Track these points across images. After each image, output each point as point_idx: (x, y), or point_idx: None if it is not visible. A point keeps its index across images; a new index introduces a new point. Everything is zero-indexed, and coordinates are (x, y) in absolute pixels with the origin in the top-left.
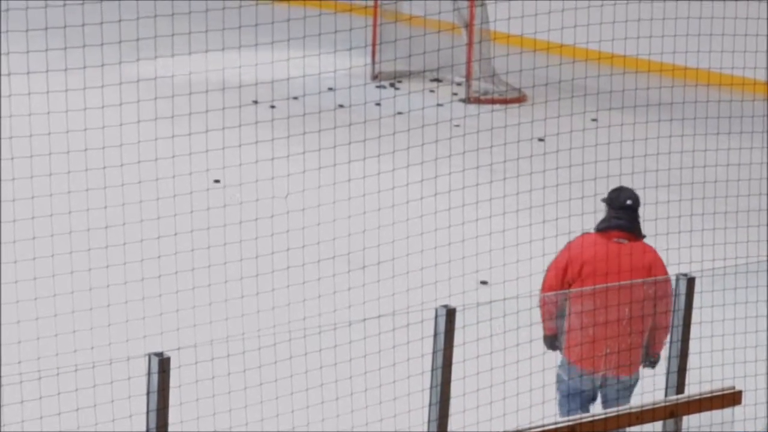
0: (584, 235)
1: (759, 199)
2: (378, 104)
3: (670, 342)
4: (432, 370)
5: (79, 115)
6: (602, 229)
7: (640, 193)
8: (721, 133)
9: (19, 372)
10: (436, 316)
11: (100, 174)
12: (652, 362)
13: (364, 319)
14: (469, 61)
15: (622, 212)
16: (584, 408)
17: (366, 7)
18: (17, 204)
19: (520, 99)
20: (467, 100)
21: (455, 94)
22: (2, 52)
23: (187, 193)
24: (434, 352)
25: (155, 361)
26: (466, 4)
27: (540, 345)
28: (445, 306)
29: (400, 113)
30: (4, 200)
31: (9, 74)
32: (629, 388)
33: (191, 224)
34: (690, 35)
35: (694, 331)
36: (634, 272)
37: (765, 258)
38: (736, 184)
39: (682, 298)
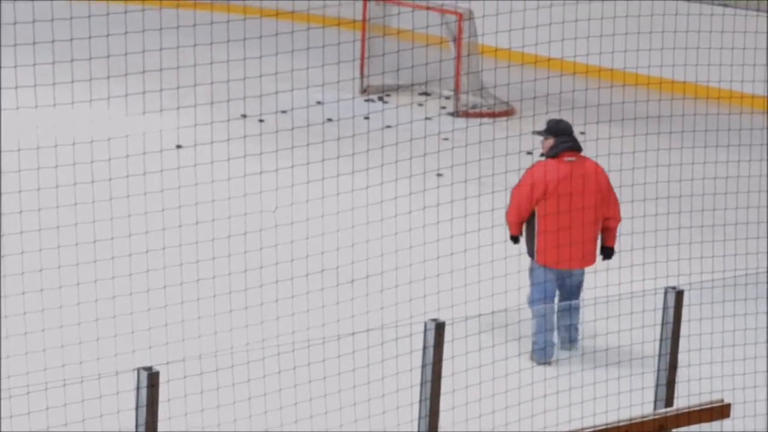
0: (539, 162)
1: (747, 213)
2: (366, 118)
3: (659, 355)
4: (421, 384)
5: (67, 128)
6: (554, 154)
7: (628, 206)
8: (708, 147)
9: (7, 387)
10: (425, 330)
11: (87, 189)
12: (609, 254)
13: (353, 333)
14: (457, 75)
15: (566, 136)
16: (551, 297)
17: (354, 21)
18: (5, 218)
19: (508, 112)
20: (456, 114)
21: (444, 107)
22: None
23: (175, 207)
24: (423, 366)
25: (144, 375)
26: (454, 18)
27: (528, 359)
28: (434, 320)
29: (388, 127)
30: None
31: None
32: (581, 276)
33: (180, 238)
34: (677, 49)
35: (682, 344)
36: (586, 182)
37: (753, 271)
38: (724, 198)
39: (671, 312)
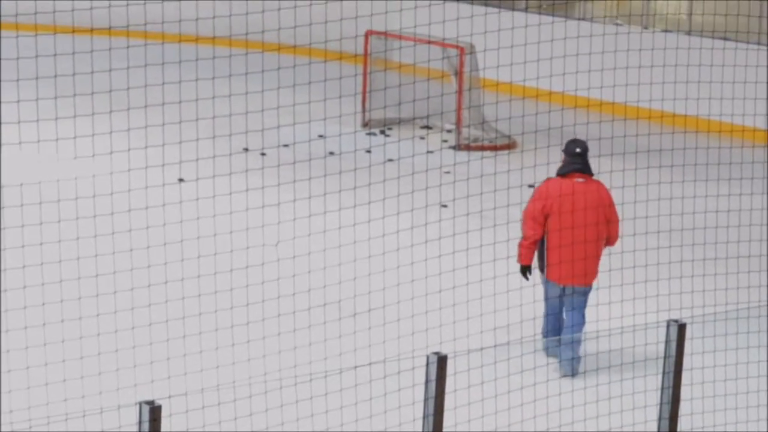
0: (550, 179)
1: (749, 246)
2: (368, 151)
3: (662, 388)
4: (423, 418)
5: (69, 163)
6: (564, 173)
7: (629, 239)
8: (710, 180)
9: (10, 421)
10: (428, 363)
11: (90, 223)
12: None
13: (355, 367)
14: (459, 109)
15: (577, 158)
16: (556, 313)
17: (356, 55)
18: (6, 252)
19: (509, 146)
20: (457, 147)
21: (445, 141)
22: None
23: (177, 241)
24: (425, 400)
25: (146, 409)
26: (455, 51)
27: (531, 392)
28: (437, 353)
29: (390, 160)
30: None
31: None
32: (586, 296)
33: (182, 272)
34: (678, 82)
35: (685, 377)
36: (591, 203)
37: (755, 304)
38: (725, 231)
39: (673, 345)
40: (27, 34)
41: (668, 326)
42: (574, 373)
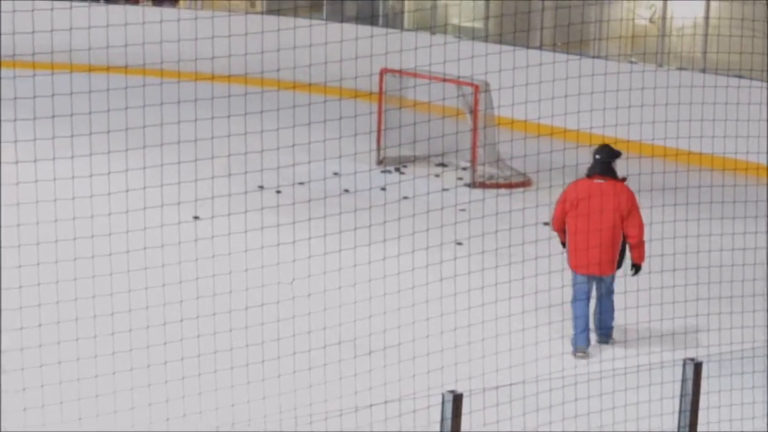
0: (577, 180)
1: (766, 284)
2: (383, 189)
3: (678, 427)
4: None
5: (85, 201)
6: (589, 175)
7: (646, 277)
8: (725, 218)
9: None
10: (443, 402)
11: (105, 261)
12: (636, 269)
13: (371, 405)
14: (473, 146)
15: (599, 162)
16: (582, 299)
17: (371, 93)
18: (24, 290)
19: (524, 183)
20: (472, 185)
21: (460, 178)
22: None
23: (193, 279)
24: None
25: None
26: (470, 90)
27: (546, 431)
28: (452, 391)
29: (405, 198)
30: None
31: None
32: (610, 285)
33: (197, 310)
34: (693, 120)
35: (701, 416)
36: (609, 201)
37: None
38: (741, 269)
39: (690, 384)
40: (43, 72)
41: (685, 365)
42: (609, 341)
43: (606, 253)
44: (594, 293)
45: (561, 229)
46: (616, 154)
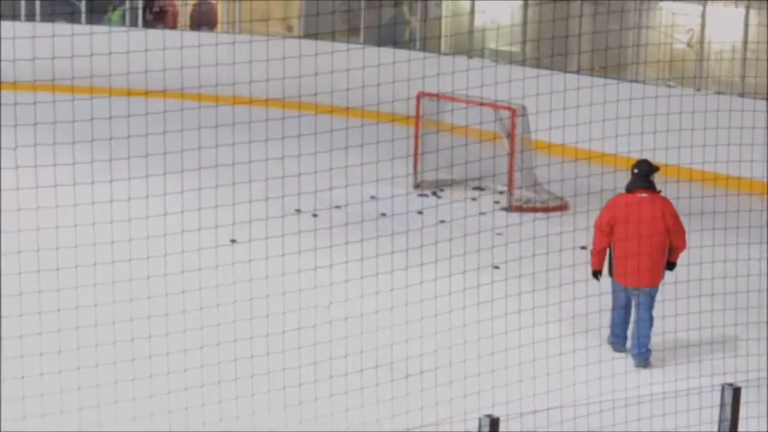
0: (618, 195)
1: None
2: (420, 213)
3: None
4: None
5: (123, 225)
6: (630, 189)
7: (683, 302)
8: (764, 243)
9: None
10: (480, 426)
11: (143, 284)
12: (671, 267)
13: (408, 429)
14: (510, 170)
15: (639, 177)
16: (622, 311)
17: (408, 117)
18: (62, 313)
19: (562, 207)
20: (509, 209)
21: (497, 202)
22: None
23: (230, 302)
24: None
25: None
26: (507, 113)
27: None
28: (489, 416)
29: (442, 222)
30: None
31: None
32: (652, 297)
33: (234, 333)
34: (731, 145)
35: None
36: (652, 214)
37: None
38: None
39: (728, 409)
40: (82, 96)
41: (723, 390)
42: (645, 365)
43: (651, 264)
44: (633, 303)
45: (604, 248)
46: (655, 168)
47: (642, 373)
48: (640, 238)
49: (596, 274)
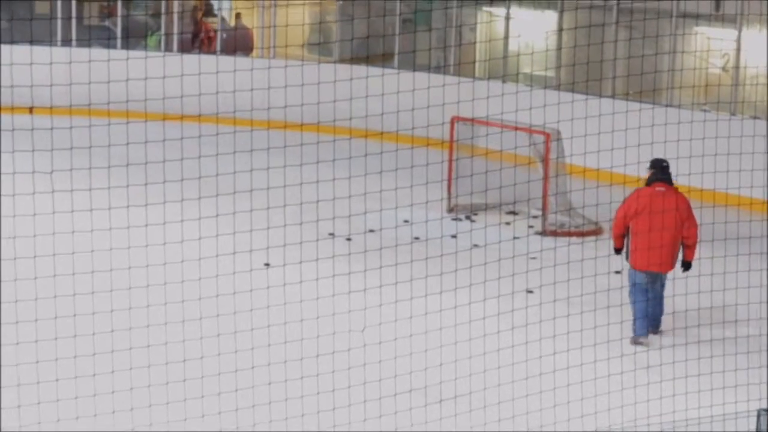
0: (638, 189)
1: None
2: (454, 237)
3: None
4: None
5: (158, 249)
6: (649, 183)
7: (719, 326)
8: None
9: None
10: None
11: (178, 308)
12: (687, 266)
13: None
14: (545, 195)
15: (658, 171)
16: (641, 293)
17: (443, 141)
18: (97, 337)
19: (596, 232)
20: (544, 233)
21: (531, 227)
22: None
23: (264, 326)
24: None
25: None
26: (542, 138)
27: None
28: None
29: (476, 246)
30: None
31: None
32: (664, 280)
33: (268, 357)
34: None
35: None
36: (670, 205)
37: None
38: None
39: None
40: (118, 121)
41: (759, 416)
42: (657, 331)
43: (667, 253)
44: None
45: (620, 234)
46: (668, 163)
47: (677, 398)
48: (657, 226)
49: (618, 251)
